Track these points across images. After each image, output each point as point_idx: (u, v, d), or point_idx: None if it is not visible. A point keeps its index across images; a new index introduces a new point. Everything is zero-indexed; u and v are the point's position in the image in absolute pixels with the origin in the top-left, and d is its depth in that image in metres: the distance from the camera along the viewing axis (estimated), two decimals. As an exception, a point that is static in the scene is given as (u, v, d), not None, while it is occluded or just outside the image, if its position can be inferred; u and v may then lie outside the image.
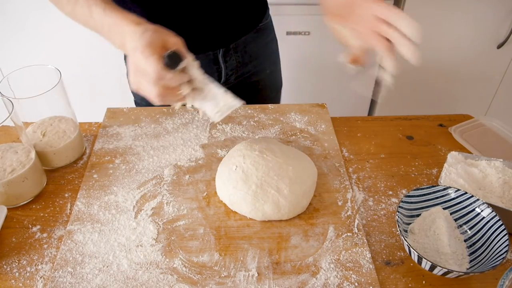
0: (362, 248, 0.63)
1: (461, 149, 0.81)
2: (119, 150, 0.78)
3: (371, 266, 0.60)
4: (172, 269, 0.60)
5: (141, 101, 0.99)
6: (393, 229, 0.66)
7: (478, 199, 0.63)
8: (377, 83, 0.65)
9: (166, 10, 0.83)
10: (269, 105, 0.89)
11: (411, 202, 0.65)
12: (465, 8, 1.51)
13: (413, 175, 0.76)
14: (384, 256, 0.63)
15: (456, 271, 0.55)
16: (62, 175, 0.74)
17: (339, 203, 0.69)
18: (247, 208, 0.65)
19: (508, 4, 1.52)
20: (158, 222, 0.66)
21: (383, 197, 0.71)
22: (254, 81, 1.02)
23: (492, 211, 0.62)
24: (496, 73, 1.71)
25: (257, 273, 0.59)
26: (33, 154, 0.68)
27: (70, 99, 0.74)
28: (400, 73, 0.61)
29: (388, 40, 0.59)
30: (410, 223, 0.65)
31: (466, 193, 0.64)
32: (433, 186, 0.66)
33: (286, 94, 1.20)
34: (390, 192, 0.72)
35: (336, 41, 0.68)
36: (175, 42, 0.58)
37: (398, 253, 0.63)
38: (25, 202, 0.69)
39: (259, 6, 0.97)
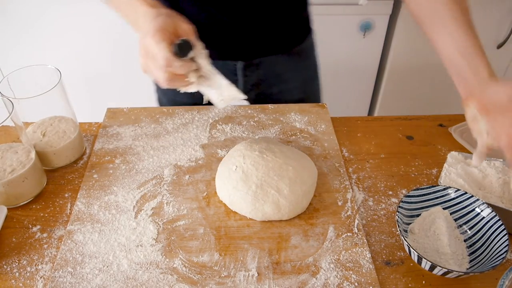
0: (362, 248, 0.63)
1: (461, 149, 0.81)
2: (119, 150, 0.78)
3: (371, 266, 0.60)
4: (172, 269, 0.60)
5: (162, 97, 0.99)
6: (393, 229, 0.66)
7: (478, 199, 0.63)
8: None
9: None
10: (269, 105, 0.89)
11: (411, 202, 0.65)
12: (465, 8, 1.51)
13: (413, 175, 0.76)
14: (384, 256, 0.63)
15: (456, 271, 0.55)
16: (62, 175, 0.74)
17: (339, 203, 0.69)
18: (247, 208, 0.65)
19: (508, 4, 1.52)
20: (158, 222, 0.66)
21: (383, 197, 0.71)
22: (278, 103, 0.94)
23: (492, 211, 0.62)
24: (496, 73, 1.71)
25: (257, 273, 0.59)
26: (33, 154, 0.68)
27: (70, 99, 0.74)
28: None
29: None
30: (410, 223, 0.65)
31: (466, 193, 0.64)
32: (433, 186, 0.66)
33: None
34: (390, 192, 0.72)
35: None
36: (187, 29, 0.58)
37: (398, 253, 0.63)
38: (25, 202, 0.69)
39: (297, 29, 0.91)
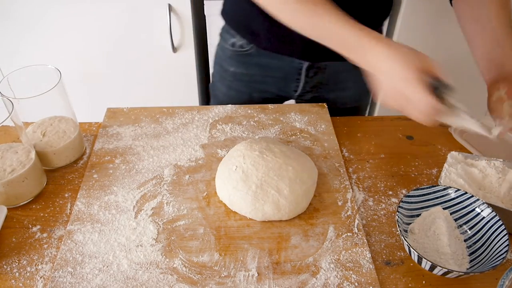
0: (362, 248, 0.63)
1: (461, 149, 0.81)
2: (119, 150, 0.78)
3: (371, 266, 0.60)
4: (172, 269, 0.60)
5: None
6: (393, 229, 0.66)
7: (478, 199, 0.63)
8: None
9: None
10: (269, 105, 0.89)
11: (411, 202, 0.65)
12: (465, 8, 1.51)
13: (413, 175, 0.76)
14: (384, 256, 0.63)
15: (456, 271, 0.55)
16: (62, 175, 0.74)
17: (339, 203, 0.69)
18: (247, 208, 0.65)
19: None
20: (158, 222, 0.66)
21: (383, 197, 0.71)
22: (334, 107, 0.95)
23: (492, 211, 0.62)
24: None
25: (257, 273, 0.59)
26: (33, 154, 0.68)
27: (70, 99, 0.74)
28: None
29: None
30: (410, 223, 0.65)
31: (466, 193, 0.64)
32: (433, 186, 0.66)
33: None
34: (390, 192, 0.72)
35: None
36: (436, 66, 0.57)
37: (398, 253, 0.63)
38: (25, 202, 0.69)
39: None
